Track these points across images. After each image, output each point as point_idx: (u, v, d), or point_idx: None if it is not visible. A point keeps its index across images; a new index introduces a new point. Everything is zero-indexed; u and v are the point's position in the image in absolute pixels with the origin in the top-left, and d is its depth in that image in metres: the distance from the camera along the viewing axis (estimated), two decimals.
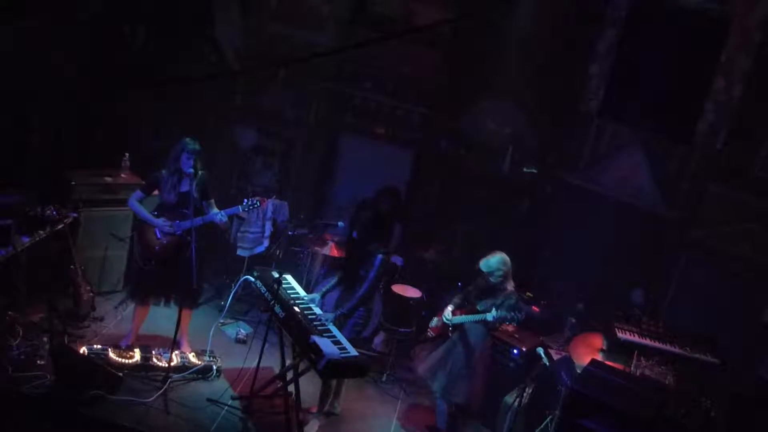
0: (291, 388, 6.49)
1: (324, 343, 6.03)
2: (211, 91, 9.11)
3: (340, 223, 8.40)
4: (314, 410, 6.78)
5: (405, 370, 7.88)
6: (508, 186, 9.21)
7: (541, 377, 6.94)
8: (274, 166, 9.63)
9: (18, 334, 6.70)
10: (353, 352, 6.21)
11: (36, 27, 7.46)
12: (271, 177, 9.63)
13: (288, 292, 6.78)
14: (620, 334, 7.41)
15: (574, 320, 7.95)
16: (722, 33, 8.23)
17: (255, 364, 6.51)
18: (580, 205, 8.67)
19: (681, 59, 8.36)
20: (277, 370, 6.96)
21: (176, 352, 6.81)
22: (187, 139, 6.69)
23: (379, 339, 8.10)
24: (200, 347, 7.14)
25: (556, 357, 7.11)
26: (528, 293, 8.22)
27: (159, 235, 6.79)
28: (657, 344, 7.42)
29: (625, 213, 8.55)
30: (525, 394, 6.79)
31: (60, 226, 6.88)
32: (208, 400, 6.63)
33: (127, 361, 6.69)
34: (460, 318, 6.72)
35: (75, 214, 7.14)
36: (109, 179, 7.76)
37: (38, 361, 6.49)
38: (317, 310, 6.65)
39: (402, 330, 7.97)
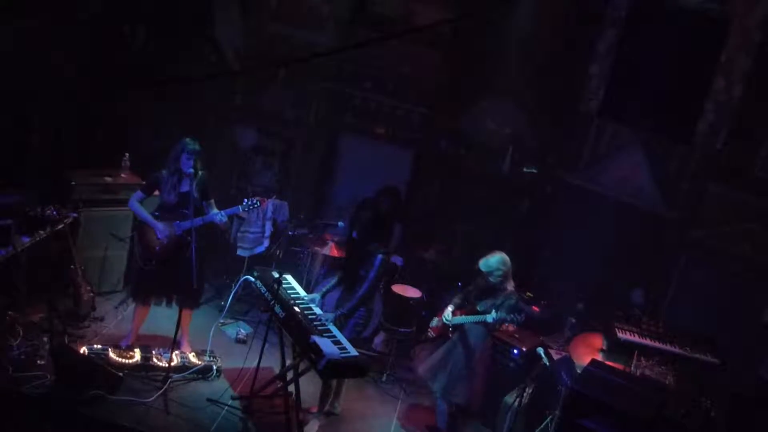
0: (291, 388, 6.49)
1: (324, 343, 6.03)
2: (211, 91, 9.11)
3: (340, 223, 8.40)
4: (314, 410, 6.78)
5: (405, 370, 7.88)
6: (508, 186, 9.21)
7: (541, 377, 6.94)
8: (274, 166, 9.63)
9: (18, 334, 6.70)
10: (353, 352, 6.21)
11: (36, 27, 7.46)
12: (271, 177, 9.63)
13: (288, 292, 6.78)
14: (620, 334, 7.42)
15: (574, 320, 7.96)
16: (722, 33, 8.23)
17: (255, 364, 6.51)
18: (580, 205, 8.67)
19: (681, 59, 8.36)
20: (277, 370, 6.96)
21: (176, 352, 6.81)
22: (187, 140, 6.69)
23: (379, 339, 8.10)
24: (200, 347, 7.14)
25: (556, 357, 7.11)
26: (528, 293, 8.22)
27: (159, 236, 6.79)
28: (657, 344, 7.42)
29: (625, 213, 8.55)
30: (525, 394, 6.79)
31: (60, 226, 6.88)
32: (208, 400, 6.63)
33: (127, 361, 6.69)
34: (460, 318, 6.72)
35: (75, 214, 7.14)
36: (109, 179, 7.76)
37: (38, 361, 6.49)
38: (317, 310, 6.65)
39: (402, 330, 7.98)
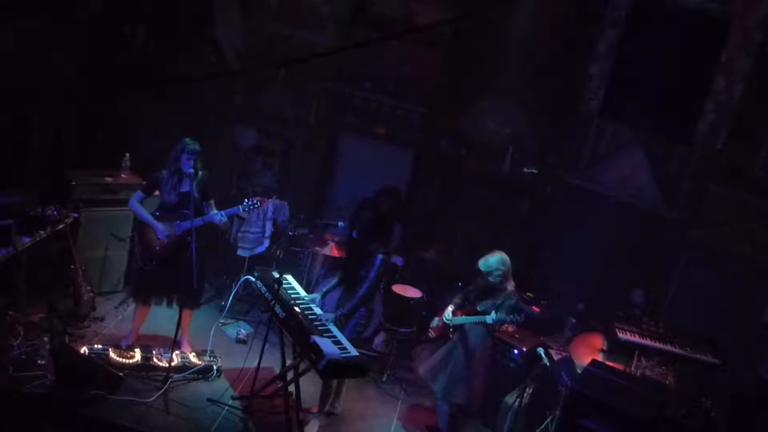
0: (291, 388, 6.49)
1: (324, 343, 6.02)
2: (211, 91, 9.10)
3: (340, 223, 8.40)
4: (315, 410, 6.78)
5: (405, 371, 7.88)
6: (508, 186, 9.21)
7: (541, 377, 6.94)
8: (275, 166, 9.63)
9: (19, 334, 6.70)
10: (354, 352, 6.21)
11: (36, 27, 7.45)
12: (272, 177, 9.63)
13: (288, 292, 6.78)
14: (621, 335, 7.41)
15: (574, 320, 7.96)
16: (723, 33, 8.23)
17: (255, 364, 6.51)
18: (581, 205, 8.67)
19: (681, 59, 8.36)
20: (277, 370, 6.96)
21: (177, 352, 6.81)
22: (187, 140, 6.69)
23: (379, 339, 8.10)
24: (201, 347, 7.14)
25: (556, 357, 7.12)
26: (528, 293, 8.22)
27: (159, 236, 6.79)
28: (657, 344, 7.42)
29: (625, 213, 8.55)
30: (525, 395, 6.79)
31: (60, 226, 6.87)
32: (209, 400, 6.63)
33: (127, 361, 6.69)
34: (460, 319, 6.72)
35: (75, 214, 7.14)
36: (109, 179, 7.76)
37: (39, 361, 6.49)
38: (318, 311, 6.64)
39: (402, 330, 7.98)
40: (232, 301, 7.17)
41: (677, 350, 7.41)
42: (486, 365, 6.78)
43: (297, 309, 6.49)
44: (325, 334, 6.25)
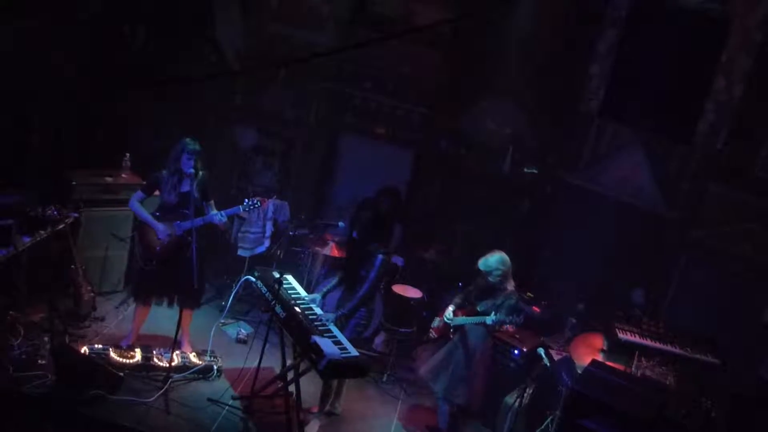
0: (292, 388, 6.49)
1: (325, 344, 6.02)
2: (211, 91, 9.10)
3: (340, 224, 8.40)
4: (315, 410, 6.78)
5: (406, 371, 7.88)
6: (508, 186, 9.21)
7: (541, 377, 6.94)
8: (275, 167, 9.63)
9: (19, 333, 6.70)
10: (354, 352, 6.21)
11: (36, 27, 7.45)
12: (272, 177, 9.63)
13: (289, 292, 6.78)
14: (621, 335, 7.41)
15: (574, 320, 7.96)
16: (723, 33, 8.23)
17: (256, 364, 6.51)
18: (581, 205, 8.67)
19: (681, 59, 8.36)
20: (277, 370, 6.96)
21: (177, 352, 6.81)
22: (187, 140, 6.70)
23: (379, 339, 8.10)
24: (201, 347, 7.14)
25: (556, 357, 7.12)
26: (528, 293, 8.21)
27: (160, 236, 6.79)
28: (657, 345, 7.42)
29: (625, 213, 8.55)
30: (526, 395, 6.79)
31: (61, 226, 6.87)
32: (209, 400, 6.63)
33: (127, 361, 6.69)
34: (460, 319, 6.72)
35: (76, 214, 7.14)
36: (109, 179, 7.76)
37: (39, 361, 6.49)
38: (318, 311, 6.64)
39: (403, 330, 7.98)
40: (232, 301, 7.17)
41: (677, 350, 7.41)
42: (486, 365, 6.78)
43: (297, 309, 6.49)
44: (325, 334, 6.25)
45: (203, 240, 6.90)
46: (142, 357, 6.77)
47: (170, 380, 6.60)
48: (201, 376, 6.90)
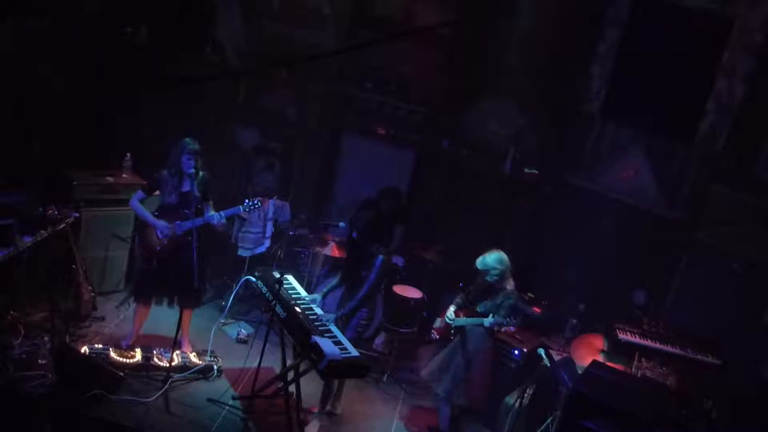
0: (292, 388, 6.49)
1: (325, 344, 6.02)
2: (212, 91, 9.10)
3: (341, 224, 8.40)
4: (315, 410, 6.78)
5: (406, 371, 7.88)
6: (509, 186, 9.20)
7: (542, 378, 6.93)
8: (275, 167, 9.62)
9: (19, 333, 6.70)
10: (354, 352, 6.21)
11: (36, 27, 7.45)
12: (272, 177, 9.62)
13: (289, 292, 6.78)
14: (621, 335, 7.40)
15: (575, 321, 7.94)
16: (724, 33, 8.22)
17: (256, 364, 6.50)
18: (582, 205, 8.66)
19: (682, 59, 8.34)
20: (278, 371, 6.96)
21: (177, 351, 6.81)
22: (187, 140, 6.71)
23: (380, 339, 8.10)
24: (201, 347, 7.14)
25: (557, 358, 7.11)
26: (529, 294, 8.21)
27: (160, 235, 6.80)
28: (658, 345, 7.40)
29: (626, 214, 8.54)
30: (526, 395, 6.79)
31: (61, 226, 6.87)
32: (209, 400, 6.63)
33: (128, 360, 6.69)
34: (460, 320, 6.72)
35: (76, 214, 7.14)
36: (110, 179, 7.77)
37: (39, 361, 6.49)
38: (318, 311, 6.64)
39: (403, 330, 7.97)
40: (232, 301, 7.16)
41: (678, 351, 7.40)
42: (488, 366, 6.77)
43: (298, 309, 6.49)
44: (325, 335, 6.24)
45: (203, 240, 6.90)
46: (143, 357, 6.77)
47: (170, 380, 6.60)
48: (201, 376, 6.90)
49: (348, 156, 9.62)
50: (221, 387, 6.86)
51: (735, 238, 8.19)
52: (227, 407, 6.58)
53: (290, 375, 6.56)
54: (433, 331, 7.02)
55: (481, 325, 6.53)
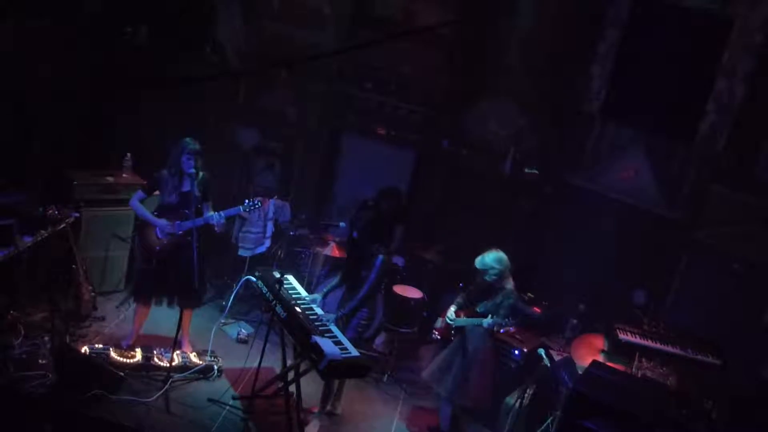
0: (292, 388, 6.49)
1: (325, 344, 6.02)
2: (212, 91, 9.09)
3: (341, 224, 8.40)
4: (315, 410, 6.78)
5: (406, 371, 7.88)
6: (509, 186, 9.20)
7: (542, 378, 6.93)
8: (276, 167, 9.61)
9: (20, 333, 6.70)
10: (354, 352, 6.20)
11: (36, 27, 7.45)
12: (272, 177, 9.62)
13: (290, 292, 6.78)
14: (621, 335, 7.40)
15: (575, 321, 7.94)
16: (724, 33, 8.22)
17: (256, 364, 6.49)
18: (582, 205, 8.66)
19: (682, 59, 8.35)
20: (278, 371, 6.95)
21: (177, 351, 6.81)
22: (187, 140, 6.71)
23: (380, 339, 8.09)
24: (201, 347, 7.14)
25: (557, 358, 7.11)
26: (529, 294, 8.21)
27: (160, 235, 6.80)
28: (658, 345, 7.41)
29: (626, 214, 8.54)
30: (526, 395, 6.79)
31: (62, 226, 6.87)
32: (210, 400, 6.63)
33: (128, 360, 6.69)
34: (460, 321, 6.71)
35: (77, 214, 7.13)
36: (110, 179, 7.77)
37: (40, 361, 6.49)
38: (319, 311, 6.64)
39: (403, 330, 7.97)
40: (233, 301, 7.16)
41: (678, 351, 7.40)
42: (489, 365, 6.76)
43: (298, 309, 6.49)
44: (326, 335, 6.24)
45: (204, 240, 6.89)
46: (143, 357, 6.77)
47: (171, 380, 6.60)
48: (201, 376, 6.90)
49: (348, 156, 9.62)
50: (221, 387, 6.86)
51: (735, 238, 8.19)
52: (227, 407, 6.58)
53: (290, 375, 6.55)
54: (434, 331, 7.02)
55: (480, 326, 6.52)
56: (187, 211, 6.69)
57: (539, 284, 8.50)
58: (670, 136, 8.63)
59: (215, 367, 6.98)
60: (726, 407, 7.22)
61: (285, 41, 9.20)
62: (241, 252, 8.48)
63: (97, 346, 6.76)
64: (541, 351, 6.97)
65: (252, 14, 9.29)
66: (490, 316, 6.45)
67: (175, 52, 8.60)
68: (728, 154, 8.34)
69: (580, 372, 6.56)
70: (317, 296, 6.83)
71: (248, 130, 9.46)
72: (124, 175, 7.91)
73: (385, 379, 7.76)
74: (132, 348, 6.85)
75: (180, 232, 6.76)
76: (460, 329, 6.72)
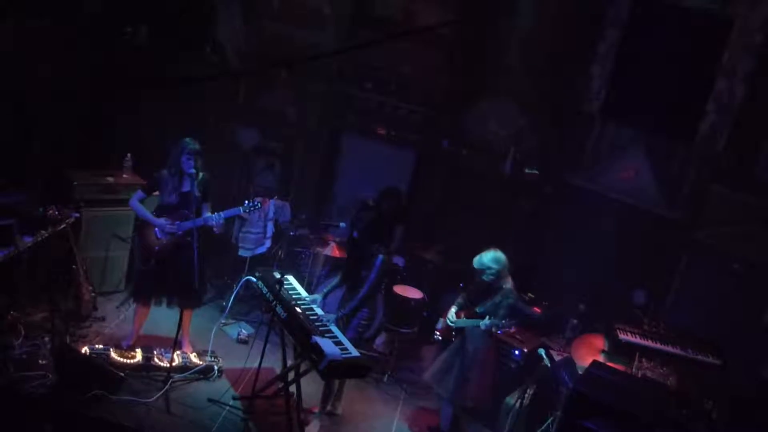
0: (292, 388, 6.48)
1: (325, 344, 6.02)
2: (212, 91, 9.09)
3: (341, 224, 8.40)
4: (316, 410, 6.78)
5: (407, 371, 7.88)
6: (509, 186, 9.20)
7: (542, 378, 6.93)
8: (275, 167, 9.61)
9: (20, 333, 6.70)
10: (354, 352, 6.20)
11: (36, 27, 7.45)
12: (272, 177, 9.62)
13: (290, 292, 6.78)
14: (622, 335, 7.40)
15: (575, 321, 7.95)
16: (724, 33, 8.22)
17: (256, 364, 6.49)
18: (582, 205, 8.66)
19: (682, 59, 8.35)
20: (278, 371, 6.95)
21: (178, 352, 6.81)
22: (187, 140, 6.71)
23: (380, 340, 8.09)
24: (202, 347, 7.14)
25: (557, 358, 7.11)
26: (529, 294, 8.21)
27: (159, 235, 6.80)
28: (658, 345, 7.41)
29: (626, 214, 8.54)
30: (526, 395, 6.79)
31: (62, 226, 6.86)
32: (210, 400, 6.63)
33: (128, 361, 6.69)
34: (460, 321, 6.71)
35: (77, 214, 7.13)
36: (110, 179, 7.77)
37: (40, 361, 6.49)
38: (319, 311, 6.64)
39: (404, 330, 7.97)
40: (233, 301, 7.16)
41: (678, 351, 7.40)
42: (489, 365, 6.76)
43: (298, 309, 6.49)
44: (326, 335, 6.24)
45: (203, 240, 6.89)
46: (143, 357, 6.77)
47: (171, 380, 6.60)
48: (202, 376, 6.90)
49: (348, 156, 9.62)
50: (222, 387, 6.86)
51: (735, 238, 8.19)
52: (228, 407, 6.58)
53: (291, 375, 6.55)
54: (436, 332, 7.02)
55: (478, 327, 6.52)
56: (186, 211, 6.69)
57: (539, 284, 8.51)
58: (670, 136, 8.63)
59: (215, 367, 6.98)
60: (726, 407, 7.22)
61: (285, 41, 9.20)
62: (241, 252, 8.48)
63: (97, 346, 6.76)
64: (542, 351, 6.97)
65: (252, 14, 9.29)
66: (487, 317, 6.45)
67: (175, 52, 8.60)
68: (728, 154, 8.34)
69: (580, 372, 6.56)
70: (317, 296, 6.83)
71: (248, 130, 9.46)
72: (124, 175, 7.91)
73: (385, 379, 7.76)
74: (132, 348, 6.85)
75: (180, 233, 6.76)
76: (460, 330, 6.72)
